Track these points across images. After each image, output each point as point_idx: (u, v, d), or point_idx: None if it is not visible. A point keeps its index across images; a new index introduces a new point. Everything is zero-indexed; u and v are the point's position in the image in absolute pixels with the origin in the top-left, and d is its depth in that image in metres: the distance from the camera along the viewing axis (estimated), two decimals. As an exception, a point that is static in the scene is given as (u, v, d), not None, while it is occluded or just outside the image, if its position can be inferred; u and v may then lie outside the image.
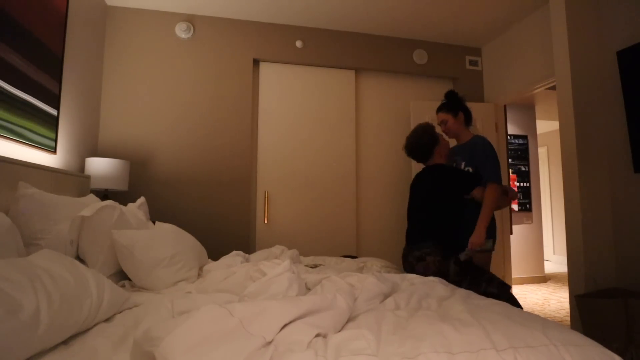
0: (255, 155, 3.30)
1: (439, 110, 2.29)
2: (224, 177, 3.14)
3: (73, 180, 2.29)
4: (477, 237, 1.99)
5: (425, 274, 1.95)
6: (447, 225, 2.04)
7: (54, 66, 2.22)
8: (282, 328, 0.88)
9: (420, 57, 3.63)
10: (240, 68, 3.25)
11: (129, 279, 1.74)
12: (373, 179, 3.54)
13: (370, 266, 2.18)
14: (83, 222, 1.68)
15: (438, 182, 2.09)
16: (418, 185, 2.19)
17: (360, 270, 2.08)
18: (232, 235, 3.11)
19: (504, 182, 3.42)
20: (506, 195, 2.23)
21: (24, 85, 1.92)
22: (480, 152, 2.13)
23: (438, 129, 2.66)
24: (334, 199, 3.36)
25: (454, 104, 2.26)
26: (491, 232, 2.13)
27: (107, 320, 1.15)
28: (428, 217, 2.07)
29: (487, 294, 1.83)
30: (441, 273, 1.93)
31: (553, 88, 3.06)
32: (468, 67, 3.77)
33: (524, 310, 1.18)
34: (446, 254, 1.97)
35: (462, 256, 1.98)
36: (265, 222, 3.20)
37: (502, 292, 1.87)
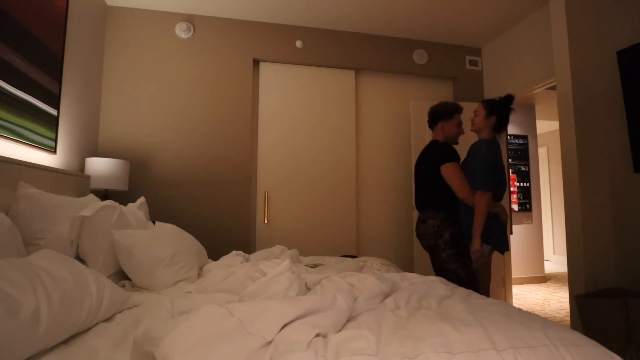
0: (255, 155, 3.30)
1: (482, 102, 2.30)
2: (224, 177, 3.14)
3: (73, 180, 2.29)
4: (474, 246, 2.07)
5: (425, 235, 2.21)
6: (440, 194, 2.20)
7: (54, 66, 2.22)
8: (282, 328, 0.88)
9: (420, 57, 3.63)
10: (240, 68, 3.25)
11: (129, 279, 1.74)
12: (373, 178, 3.54)
13: (370, 265, 2.18)
14: (83, 222, 1.68)
15: (426, 156, 2.31)
16: (420, 160, 2.38)
17: (360, 269, 2.08)
18: (232, 235, 3.11)
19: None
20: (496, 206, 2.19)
21: (24, 85, 1.92)
22: (476, 154, 2.13)
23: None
24: (334, 198, 3.36)
25: (494, 106, 2.22)
26: (491, 237, 2.12)
27: (107, 320, 1.15)
28: (424, 187, 2.29)
29: (453, 273, 2.09)
30: (436, 236, 2.15)
31: (553, 88, 3.06)
32: (468, 67, 3.77)
33: (524, 310, 1.18)
34: (444, 221, 2.16)
35: (474, 264, 2.13)
36: (265, 222, 3.20)
37: (468, 281, 2.06)
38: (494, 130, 2.22)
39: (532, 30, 3.19)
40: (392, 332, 0.94)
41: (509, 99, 2.22)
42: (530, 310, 3.64)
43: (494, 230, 2.11)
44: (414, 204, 2.55)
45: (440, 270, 2.17)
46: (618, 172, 2.45)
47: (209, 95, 3.17)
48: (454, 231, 2.14)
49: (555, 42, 2.62)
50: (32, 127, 2.00)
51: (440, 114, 2.30)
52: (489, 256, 2.13)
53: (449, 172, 2.14)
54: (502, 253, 2.19)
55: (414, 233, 2.42)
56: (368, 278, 1.35)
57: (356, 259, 2.41)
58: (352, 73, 3.51)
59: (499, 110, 2.20)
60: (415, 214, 3.36)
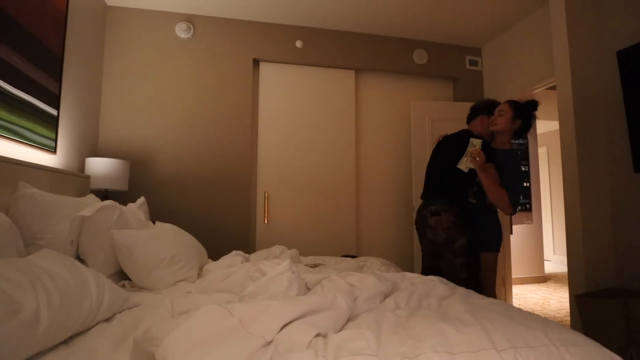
0: (255, 155, 3.29)
1: (508, 102, 2.16)
2: (224, 177, 3.14)
3: (73, 180, 2.29)
4: (483, 164, 1.95)
5: (435, 227, 2.05)
6: (457, 186, 2.09)
7: (54, 66, 2.22)
8: (282, 328, 0.88)
9: (420, 57, 3.63)
10: (240, 68, 3.25)
11: (129, 279, 1.74)
12: (373, 178, 3.54)
13: (370, 265, 2.18)
14: (83, 222, 1.68)
15: (456, 143, 2.15)
16: (444, 146, 2.26)
17: (360, 269, 2.08)
18: (232, 235, 3.11)
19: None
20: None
21: (24, 85, 1.92)
22: (508, 164, 2.09)
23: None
24: (334, 198, 3.35)
25: (523, 110, 2.11)
26: (491, 243, 2.13)
27: (107, 320, 1.15)
28: (441, 174, 2.16)
29: (463, 282, 1.99)
30: (449, 233, 2.01)
31: (553, 88, 3.05)
32: (468, 67, 3.77)
33: (524, 310, 1.18)
34: (459, 219, 2.03)
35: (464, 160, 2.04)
36: (265, 222, 3.20)
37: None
38: (515, 134, 2.15)
39: (532, 30, 3.19)
40: (392, 332, 0.94)
41: (534, 103, 2.11)
42: (530, 310, 3.64)
43: (492, 234, 2.13)
44: (420, 194, 2.42)
45: (448, 275, 2.04)
46: (618, 172, 2.45)
47: (209, 95, 3.17)
48: (470, 238, 2.02)
49: (555, 42, 2.62)
50: (32, 127, 2.00)
51: (485, 107, 2.24)
52: (495, 261, 2.15)
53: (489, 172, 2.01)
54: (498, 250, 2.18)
55: (414, 226, 2.28)
56: (368, 278, 1.35)
57: (356, 259, 2.41)
58: (352, 73, 3.51)
59: (525, 114, 2.10)
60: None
